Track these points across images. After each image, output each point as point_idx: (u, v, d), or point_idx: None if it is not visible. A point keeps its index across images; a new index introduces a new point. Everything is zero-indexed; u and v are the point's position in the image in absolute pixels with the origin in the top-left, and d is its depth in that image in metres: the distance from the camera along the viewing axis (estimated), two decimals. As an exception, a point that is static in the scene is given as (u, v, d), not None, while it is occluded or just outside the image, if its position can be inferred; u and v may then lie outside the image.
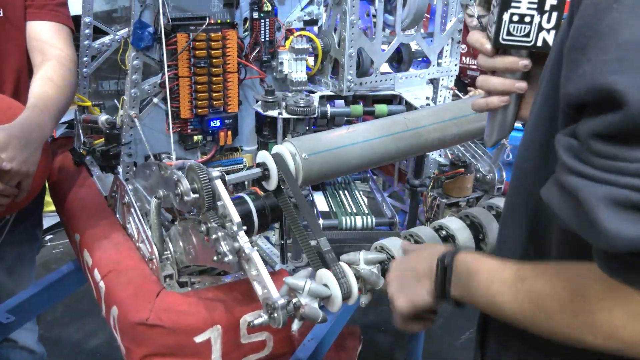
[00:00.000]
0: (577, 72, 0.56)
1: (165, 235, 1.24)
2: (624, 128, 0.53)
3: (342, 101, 1.65)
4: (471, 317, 2.93)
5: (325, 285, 1.00)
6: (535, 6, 0.78)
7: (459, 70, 1.80)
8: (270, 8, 1.51)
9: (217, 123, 1.51)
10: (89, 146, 1.80)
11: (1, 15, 1.43)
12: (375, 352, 2.73)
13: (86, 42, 1.79)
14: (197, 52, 1.42)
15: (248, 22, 1.53)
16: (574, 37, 0.58)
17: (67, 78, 1.45)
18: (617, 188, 0.54)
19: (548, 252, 0.74)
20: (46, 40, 1.49)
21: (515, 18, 0.79)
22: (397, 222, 1.66)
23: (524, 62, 0.82)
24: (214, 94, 1.48)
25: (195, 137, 1.51)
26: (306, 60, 1.57)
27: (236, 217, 1.02)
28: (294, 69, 1.54)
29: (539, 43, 0.80)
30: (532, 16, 0.79)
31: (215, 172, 1.06)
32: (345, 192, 1.75)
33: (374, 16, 1.77)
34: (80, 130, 1.81)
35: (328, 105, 1.57)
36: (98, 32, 1.81)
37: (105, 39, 1.81)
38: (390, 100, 1.70)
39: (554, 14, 0.78)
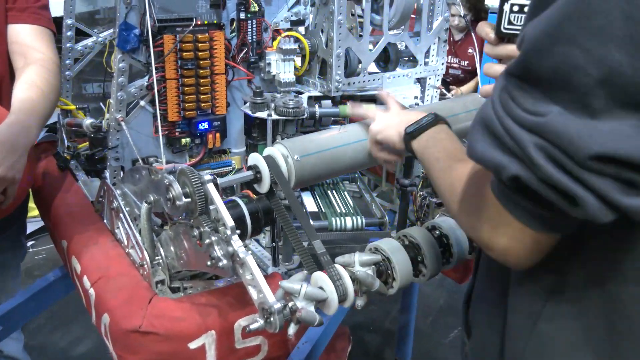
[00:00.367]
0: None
1: (156, 240, 1.23)
2: (521, 67, 0.59)
3: (329, 101, 1.64)
4: (459, 316, 2.95)
5: (321, 288, 0.99)
6: None
7: (441, 69, 1.80)
8: (257, 8, 1.50)
9: (205, 125, 1.49)
10: (73, 150, 1.77)
11: None
12: (365, 352, 2.73)
13: (68, 45, 1.76)
14: (184, 53, 1.40)
15: (235, 22, 1.51)
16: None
17: (51, 82, 1.42)
18: (494, 116, 0.62)
19: None
20: (28, 43, 1.46)
21: (515, 8, 0.84)
22: (387, 222, 1.66)
23: None
24: (202, 96, 1.46)
25: (183, 140, 1.49)
26: (294, 61, 1.55)
27: (229, 221, 1.01)
28: (282, 69, 1.53)
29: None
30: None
31: (207, 175, 1.04)
32: (334, 192, 1.74)
33: (360, 16, 1.77)
34: (64, 135, 1.78)
35: (316, 105, 1.56)
36: (80, 34, 1.79)
37: (88, 41, 1.79)
38: (376, 99, 1.70)
39: None
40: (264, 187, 1.14)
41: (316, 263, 1.05)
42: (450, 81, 4.03)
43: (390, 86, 1.65)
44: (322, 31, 1.53)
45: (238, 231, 1.01)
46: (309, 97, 1.55)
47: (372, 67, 1.74)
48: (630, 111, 0.54)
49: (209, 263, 1.01)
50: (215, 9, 1.43)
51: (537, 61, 0.57)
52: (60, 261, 1.53)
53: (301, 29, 1.66)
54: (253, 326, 0.96)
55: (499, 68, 0.91)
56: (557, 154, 0.56)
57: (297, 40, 1.54)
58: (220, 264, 0.99)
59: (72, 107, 1.74)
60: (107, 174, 1.44)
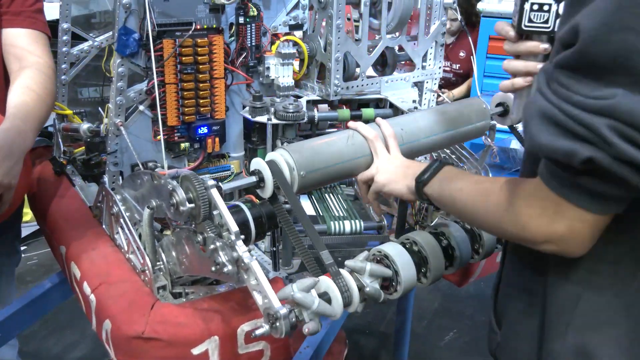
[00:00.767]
0: (568, 19, 0.66)
1: (157, 245, 1.22)
2: (577, 58, 0.64)
3: (325, 105, 1.64)
4: (455, 318, 2.98)
5: (327, 294, 0.99)
6: None
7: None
8: (256, 13, 1.49)
9: (205, 130, 1.49)
10: (70, 155, 1.76)
11: None
12: (361, 355, 2.73)
13: (64, 49, 1.75)
14: (183, 58, 1.40)
15: (234, 27, 1.51)
16: None
17: (47, 86, 1.41)
18: (551, 106, 0.67)
19: None
20: (23, 47, 1.45)
21: (535, 7, 0.90)
22: (386, 225, 1.66)
23: (544, 46, 0.94)
24: (201, 101, 1.46)
25: (183, 145, 1.49)
26: (292, 65, 1.55)
27: (234, 227, 1.00)
28: (281, 73, 1.53)
29: (557, 28, 0.89)
30: (549, 4, 0.91)
31: (211, 181, 1.04)
32: (332, 196, 1.74)
33: (356, 21, 1.77)
34: (60, 139, 1.77)
35: (315, 110, 1.56)
36: (76, 39, 1.77)
37: (84, 46, 1.77)
38: (375, 104, 1.70)
39: None
40: (267, 192, 1.13)
41: (319, 266, 1.04)
42: (442, 84, 4.04)
43: (388, 90, 1.65)
44: (321, 35, 1.53)
45: (242, 236, 1.01)
46: (307, 101, 1.55)
47: (370, 71, 1.74)
48: None
49: (213, 269, 1.01)
50: (215, 13, 1.43)
51: (595, 50, 0.62)
52: (53, 267, 1.54)
53: (299, 33, 1.66)
54: (259, 332, 0.95)
55: (518, 64, 0.98)
56: (630, 131, 0.61)
57: (295, 44, 1.54)
58: (225, 269, 0.99)
59: (69, 112, 1.72)
60: (105, 179, 1.43)
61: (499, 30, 0.99)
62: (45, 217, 1.57)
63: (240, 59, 1.52)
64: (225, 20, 1.48)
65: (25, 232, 3.42)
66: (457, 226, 1.22)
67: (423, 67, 1.73)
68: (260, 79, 1.59)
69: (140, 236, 1.26)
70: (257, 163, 1.14)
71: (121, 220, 1.31)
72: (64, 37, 1.73)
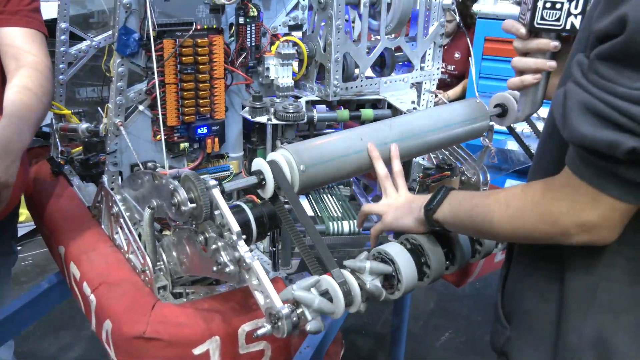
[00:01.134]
0: (610, 12, 0.66)
1: (158, 245, 1.22)
2: (622, 49, 0.65)
3: (324, 106, 1.64)
4: (451, 318, 2.99)
5: (328, 293, 0.99)
6: None
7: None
8: (255, 13, 1.50)
9: (204, 130, 1.49)
10: (67, 155, 1.75)
11: None
12: (358, 355, 2.73)
13: (62, 49, 1.74)
14: (183, 58, 1.39)
15: (234, 27, 1.51)
16: None
17: (44, 85, 1.41)
18: (592, 98, 0.68)
19: None
20: (20, 46, 1.45)
21: (548, 5, 0.93)
22: (384, 226, 1.66)
23: (554, 44, 0.97)
24: (201, 101, 1.46)
25: (182, 145, 1.48)
26: (292, 66, 1.56)
27: (235, 226, 1.00)
28: (281, 74, 1.53)
29: (568, 26, 0.93)
30: (562, 3, 0.93)
31: (212, 181, 1.04)
32: (330, 196, 1.75)
33: (353, 21, 1.78)
34: (57, 139, 1.76)
35: (314, 110, 1.57)
36: (74, 38, 1.77)
37: (82, 45, 1.77)
38: (373, 104, 1.71)
39: (581, 1, 0.92)
40: (268, 192, 1.13)
41: (320, 265, 1.05)
42: (437, 85, 4.06)
43: (387, 91, 1.66)
44: (320, 36, 1.53)
45: (244, 236, 1.01)
46: (306, 102, 1.56)
47: (368, 72, 1.75)
48: None
49: (215, 269, 1.01)
50: (215, 13, 1.43)
51: None
52: (47, 267, 1.53)
53: (299, 33, 1.66)
54: (260, 331, 0.95)
55: (529, 61, 1.00)
56: None
57: (295, 44, 1.54)
58: (227, 269, 0.99)
59: (67, 112, 1.72)
60: (104, 179, 1.43)
61: (508, 28, 1.01)
62: (43, 217, 1.57)
63: (240, 59, 1.52)
64: (225, 21, 1.48)
65: (19, 232, 3.41)
66: None
67: (422, 68, 1.74)
68: (260, 79, 1.59)
69: (140, 236, 1.26)
70: (258, 163, 1.14)
71: (121, 220, 1.31)
72: (62, 37, 1.72)
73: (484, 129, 1.43)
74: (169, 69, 1.39)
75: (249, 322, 1.15)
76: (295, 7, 1.65)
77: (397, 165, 1.22)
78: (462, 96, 3.89)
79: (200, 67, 1.42)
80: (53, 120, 1.77)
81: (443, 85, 4.05)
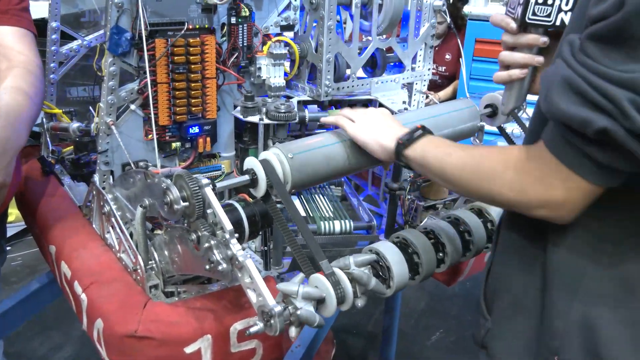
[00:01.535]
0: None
1: (150, 244, 1.22)
2: (613, 29, 0.65)
3: (314, 106, 1.65)
4: (441, 317, 3.00)
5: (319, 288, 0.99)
6: None
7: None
8: (247, 13, 1.50)
9: (196, 129, 1.49)
10: (58, 155, 1.75)
11: None
12: (349, 355, 2.74)
13: (53, 48, 1.74)
14: (175, 57, 1.40)
15: (226, 27, 1.51)
16: None
17: (36, 85, 1.41)
18: (575, 74, 0.68)
19: None
20: (10, 46, 1.44)
21: (540, 0, 0.94)
22: (375, 225, 1.67)
23: (544, 39, 0.98)
24: (193, 100, 1.46)
25: (174, 144, 1.48)
26: (284, 66, 1.56)
27: (228, 225, 1.01)
28: (272, 74, 1.54)
29: (558, 22, 0.95)
30: None
31: (205, 179, 1.04)
32: (321, 196, 1.75)
33: (344, 22, 1.79)
34: (48, 139, 1.76)
35: (306, 110, 1.57)
36: (65, 38, 1.77)
37: (73, 45, 1.77)
38: (365, 104, 1.72)
39: None
40: (260, 191, 1.14)
41: (313, 265, 1.05)
42: (428, 86, 4.08)
43: (378, 91, 1.67)
44: (312, 36, 1.54)
45: (236, 235, 1.01)
46: (297, 102, 1.56)
47: (359, 72, 1.76)
48: None
49: (207, 267, 1.01)
50: (207, 13, 1.43)
51: (638, 22, 0.62)
52: (37, 267, 1.53)
53: (290, 34, 1.67)
54: (253, 329, 0.96)
55: (517, 56, 1.01)
56: None
57: (287, 45, 1.55)
58: (220, 267, 0.99)
59: (58, 111, 1.72)
60: (96, 178, 1.43)
61: (497, 22, 1.02)
62: (34, 217, 1.56)
63: (232, 59, 1.52)
64: (217, 21, 1.48)
65: (9, 232, 3.39)
66: (447, 225, 1.24)
67: (413, 69, 1.75)
68: (252, 79, 1.60)
69: (131, 235, 1.26)
70: (250, 162, 1.15)
71: (112, 219, 1.31)
72: (53, 36, 1.72)
73: (475, 130, 1.44)
74: (160, 69, 1.39)
75: (240, 321, 1.16)
76: (287, 7, 1.65)
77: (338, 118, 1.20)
78: (453, 97, 3.91)
79: (192, 66, 1.42)
80: (44, 119, 1.77)
81: (434, 86, 4.07)
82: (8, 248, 3.34)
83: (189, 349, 1.11)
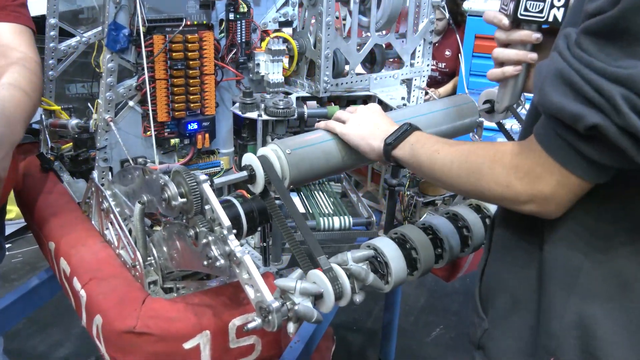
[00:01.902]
0: None
1: (148, 240, 1.22)
2: (609, 23, 0.64)
3: (314, 102, 1.65)
4: (441, 314, 3.00)
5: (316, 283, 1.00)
6: None
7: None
8: (246, 9, 1.50)
9: (195, 126, 1.49)
10: (57, 151, 1.75)
11: None
12: (348, 351, 2.74)
13: (52, 45, 1.74)
14: (173, 54, 1.40)
15: (224, 23, 1.51)
16: None
17: (34, 81, 1.41)
18: (569, 68, 0.68)
19: None
20: (8, 42, 1.44)
21: None
22: (374, 221, 1.67)
23: (537, 35, 0.97)
24: (191, 97, 1.46)
25: (173, 141, 1.48)
26: (282, 62, 1.56)
27: (226, 221, 1.00)
28: (271, 70, 1.54)
29: (550, 18, 0.94)
30: None
31: (203, 175, 1.04)
32: (321, 193, 1.75)
33: (344, 19, 1.78)
34: (47, 135, 1.76)
35: (305, 106, 1.57)
36: (63, 34, 1.76)
37: (72, 41, 1.77)
38: (364, 100, 1.72)
39: None
40: (258, 187, 1.14)
41: (311, 261, 1.05)
42: (428, 83, 4.08)
43: (377, 87, 1.67)
44: (310, 32, 1.54)
45: (234, 231, 1.01)
46: (296, 98, 1.56)
47: (358, 68, 1.75)
48: None
49: (205, 263, 1.01)
50: (205, 9, 1.43)
51: (633, 16, 0.62)
52: (37, 264, 1.53)
53: (289, 30, 1.67)
54: (251, 325, 0.96)
55: (510, 52, 1.00)
56: None
57: (285, 41, 1.55)
58: (218, 263, 0.99)
59: (57, 107, 1.71)
60: (95, 174, 1.43)
61: (490, 19, 1.01)
62: (33, 213, 1.56)
63: (230, 55, 1.52)
64: (215, 17, 1.48)
65: (9, 229, 3.40)
66: (445, 220, 1.24)
67: (411, 65, 1.75)
68: (250, 75, 1.60)
69: (130, 231, 1.26)
70: (248, 158, 1.15)
71: (111, 215, 1.31)
72: (52, 33, 1.72)
73: (473, 125, 1.44)
74: (159, 65, 1.39)
75: (239, 317, 1.16)
76: (286, 3, 1.65)
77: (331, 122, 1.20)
78: (453, 93, 3.91)
79: (191, 63, 1.42)
80: (43, 116, 1.77)
81: (434, 83, 4.06)
82: (8, 245, 3.37)
83: (187, 345, 1.11)
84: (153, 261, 1.21)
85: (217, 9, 1.48)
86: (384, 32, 1.68)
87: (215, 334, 1.14)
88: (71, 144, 1.71)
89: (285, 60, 1.59)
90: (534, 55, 1.00)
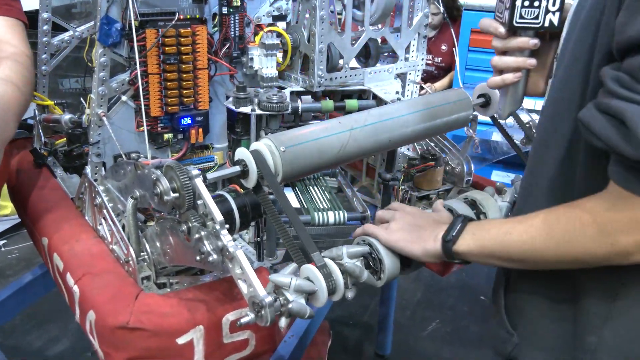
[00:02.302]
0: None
1: (141, 236, 1.22)
2: None
3: (309, 97, 1.64)
4: (437, 309, 3.01)
5: (310, 280, 0.99)
6: None
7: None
8: (239, 3, 1.49)
9: (188, 121, 1.48)
10: (51, 146, 1.74)
11: None
12: (345, 346, 2.75)
13: (45, 39, 1.73)
14: (166, 48, 1.39)
15: (217, 17, 1.50)
16: None
17: (26, 76, 1.40)
18: None
19: (575, 186, 0.84)
20: (0, 36, 1.44)
21: (526, 3, 0.93)
22: (369, 216, 1.67)
23: (534, 41, 0.97)
24: (184, 91, 1.45)
25: (166, 136, 1.48)
26: (276, 56, 1.55)
27: (218, 216, 1.00)
28: (265, 64, 1.53)
29: (546, 24, 0.95)
30: (539, 0, 0.94)
31: (195, 170, 1.04)
32: (315, 187, 1.75)
33: (339, 13, 1.77)
34: (40, 131, 1.75)
35: (299, 100, 1.57)
36: (56, 29, 1.76)
37: (65, 36, 1.76)
38: (359, 95, 1.71)
39: None
40: (251, 181, 1.13)
41: (305, 256, 1.05)
42: (424, 77, 4.07)
43: (371, 81, 1.66)
44: (304, 26, 1.53)
45: (227, 226, 1.01)
46: (290, 92, 1.56)
47: (353, 63, 1.75)
48: None
49: (198, 258, 1.01)
50: (198, 3, 1.42)
51: None
52: (33, 260, 1.52)
53: (283, 24, 1.66)
54: (244, 320, 0.95)
55: (509, 60, 0.99)
56: None
57: (279, 35, 1.54)
58: (210, 258, 0.99)
59: (50, 102, 1.71)
60: (88, 170, 1.42)
61: (486, 27, 1.00)
62: (26, 209, 1.56)
63: (224, 50, 1.52)
64: (208, 11, 1.47)
65: (5, 225, 3.40)
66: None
67: (406, 59, 1.74)
68: (244, 69, 1.59)
69: (123, 227, 1.26)
70: (241, 152, 1.14)
71: (104, 211, 1.30)
72: (45, 27, 1.71)
73: (468, 119, 1.43)
74: (151, 59, 1.38)
75: (233, 312, 1.16)
76: (279, -3, 1.64)
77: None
78: (449, 88, 3.91)
79: (184, 57, 1.42)
80: (36, 111, 1.76)
81: (430, 77, 4.06)
82: (4, 242, 3.36)
83: (181, 340, 1.11)
84: (146, 256, 1.20)
85: (210, 3, 1.47)
86: (378, 26, 1.67)
87: (209, 329, 1.14)
88: (65, 139, 1.71)
89: (279, 54, 1.58)
90: (532, 61, 0.99)
